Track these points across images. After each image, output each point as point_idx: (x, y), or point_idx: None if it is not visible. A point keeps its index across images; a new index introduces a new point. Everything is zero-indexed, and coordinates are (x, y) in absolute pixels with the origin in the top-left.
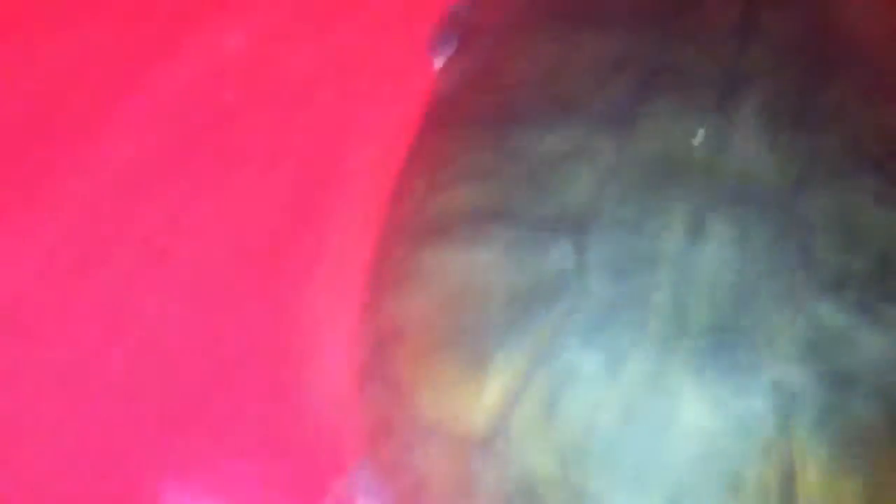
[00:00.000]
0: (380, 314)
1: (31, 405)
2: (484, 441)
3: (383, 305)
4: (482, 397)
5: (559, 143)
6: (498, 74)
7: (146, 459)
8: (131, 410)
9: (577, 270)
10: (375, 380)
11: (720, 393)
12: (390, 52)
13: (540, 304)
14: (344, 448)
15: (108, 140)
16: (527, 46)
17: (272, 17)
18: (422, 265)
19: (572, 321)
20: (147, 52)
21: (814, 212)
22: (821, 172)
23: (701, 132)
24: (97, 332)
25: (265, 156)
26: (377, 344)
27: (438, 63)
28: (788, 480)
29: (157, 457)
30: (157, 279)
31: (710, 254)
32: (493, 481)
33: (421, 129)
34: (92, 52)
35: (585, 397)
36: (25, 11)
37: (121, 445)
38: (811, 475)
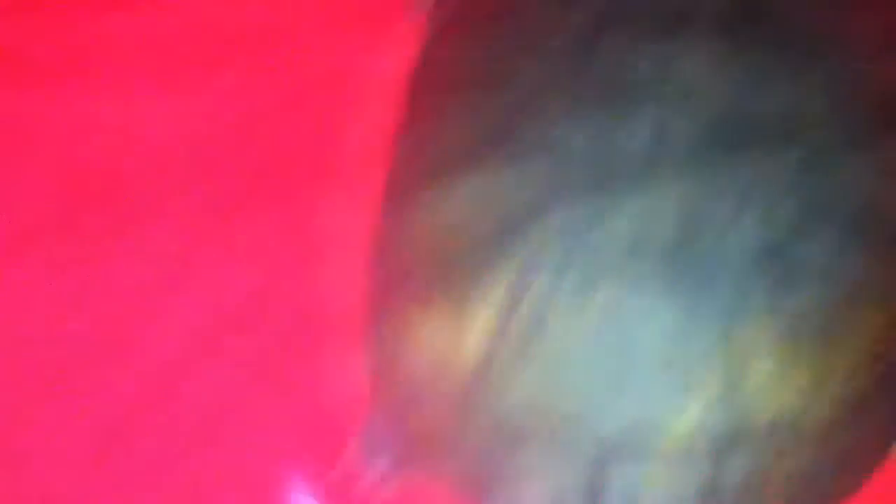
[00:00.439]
0: (387, 255)
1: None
2: (470, 384)
3: (389, 246)
4: (470, 332)
5: (529, 79)
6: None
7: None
8: None
9: (552, 196)
10: (381, 324)
11: (686, 298)
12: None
13: (514, 237)
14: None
15: None
16: None
17: None
18: (421, 203)
19: (544, 252)
20: None
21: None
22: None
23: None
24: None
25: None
26: (382, 286)
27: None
28: (736, 375)
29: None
30: None
31: (671, 167)
32: (489, 418)
33: (408, 84)
34: None
35: (562, 325)
36: None
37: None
38: (762, 367)
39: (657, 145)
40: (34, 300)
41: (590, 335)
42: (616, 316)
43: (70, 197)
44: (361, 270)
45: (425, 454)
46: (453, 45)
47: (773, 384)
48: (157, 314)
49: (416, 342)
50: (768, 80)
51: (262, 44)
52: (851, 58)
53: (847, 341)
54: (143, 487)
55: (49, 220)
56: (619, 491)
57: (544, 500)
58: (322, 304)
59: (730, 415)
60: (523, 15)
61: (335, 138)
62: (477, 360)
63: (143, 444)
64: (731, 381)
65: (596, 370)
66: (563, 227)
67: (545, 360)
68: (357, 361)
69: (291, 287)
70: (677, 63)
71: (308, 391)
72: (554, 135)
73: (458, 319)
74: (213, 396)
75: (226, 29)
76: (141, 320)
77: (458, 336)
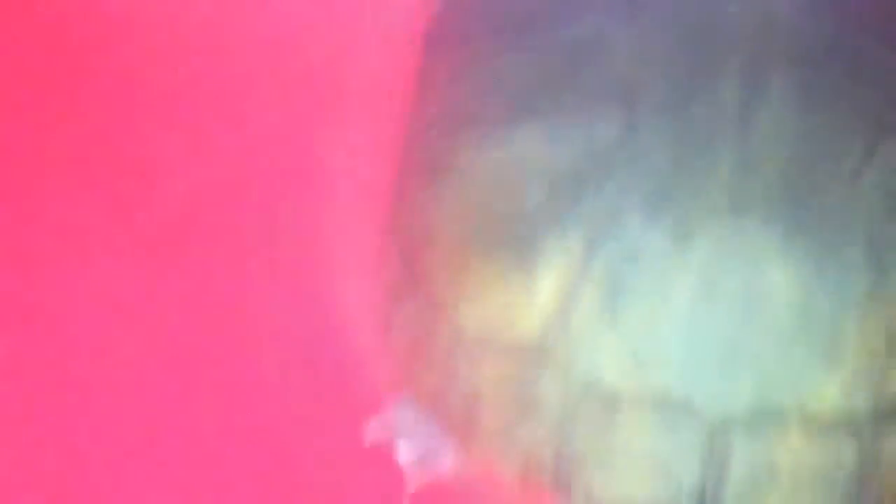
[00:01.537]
0: (408, 225)
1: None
2: (541, 347)
3: (412, 214)
4: (533, 298)
5: (582, 31)
6: None
7: None
8: None
9: (629, 142)
10: (407, 300)
11: (811, 252)
12: None
13: (590, 184)
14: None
15: None
16: None
17: None
18: (454, 161)
19: (629, 198)
20: None
21: (870, 62)
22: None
23: None
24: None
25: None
26: (406, 260)
27: None
28: (882, 343)
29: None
30: None
31: (772, 111)
32: (555, 392)
33: (429, 40)
34: None
35: (655, 280)
36: None
37: None
38: None
39: (750, 99)
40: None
41: (687, 296)
42: (722, 272)
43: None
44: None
45: (481, 434)
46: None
47: None
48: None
49: (460, 315)
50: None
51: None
52: None
53: None
54: None
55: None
56: (745, 472)
57: (647, 486)
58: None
59: (878, 390)
60: None
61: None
62: (550, 318)
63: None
64: (878, 349)
65: (700, 339)
66: (649, 170)
67: (634, 316)
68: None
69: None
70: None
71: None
72: (626, 75)
73: (519, 283)
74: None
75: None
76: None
77: (519, 302)
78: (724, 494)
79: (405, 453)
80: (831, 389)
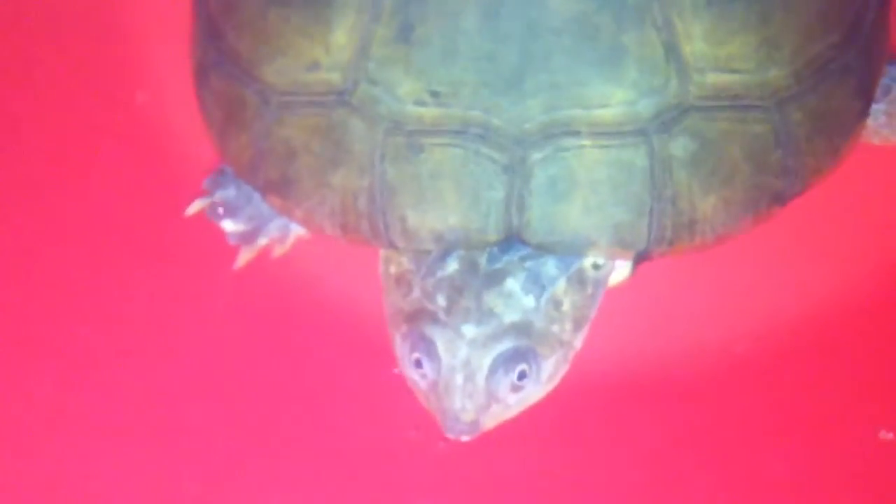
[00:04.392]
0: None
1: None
2: (344, 93)
3: None
4: (331, 47)
5: None
6: None
7: None
8: None
9: None
10: (214, 73)
11: None
12: None
13: None
14: None
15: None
16: None
17: None
18: None
19: None
20: None
21: None
22: None
23: None
24: None
25: None
26: (212, 33)
27: None
28: (672, 46)
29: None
30: None
31: None
32: (362, 134)
33: None
34: None
35: (441, 12)
36: None
37: None
38: (696, 37)
39: None
40: None
41: (473, 24)
42: None
43: None
44: None
45: (298, 191)
46: None
47: (712, 50)
48: None
49: (265, 75)
50: None
51: None
52: None
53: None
54: None
55: None
56: (545, 182)
57: (456, 211)
58: None
59: (659, 98)
60: None
61: None
62: (349, 64)
63: None
64: (656, 59)
65: (489, 64)
66: None
67: (426, 48)
68: None
69: None
70: None
71: None
72: None
73: (314, 29)
74: None
75: None
76: None
77: (317, 50)
78: (528, 207)
79: (230, 229)
80: (616, 98)
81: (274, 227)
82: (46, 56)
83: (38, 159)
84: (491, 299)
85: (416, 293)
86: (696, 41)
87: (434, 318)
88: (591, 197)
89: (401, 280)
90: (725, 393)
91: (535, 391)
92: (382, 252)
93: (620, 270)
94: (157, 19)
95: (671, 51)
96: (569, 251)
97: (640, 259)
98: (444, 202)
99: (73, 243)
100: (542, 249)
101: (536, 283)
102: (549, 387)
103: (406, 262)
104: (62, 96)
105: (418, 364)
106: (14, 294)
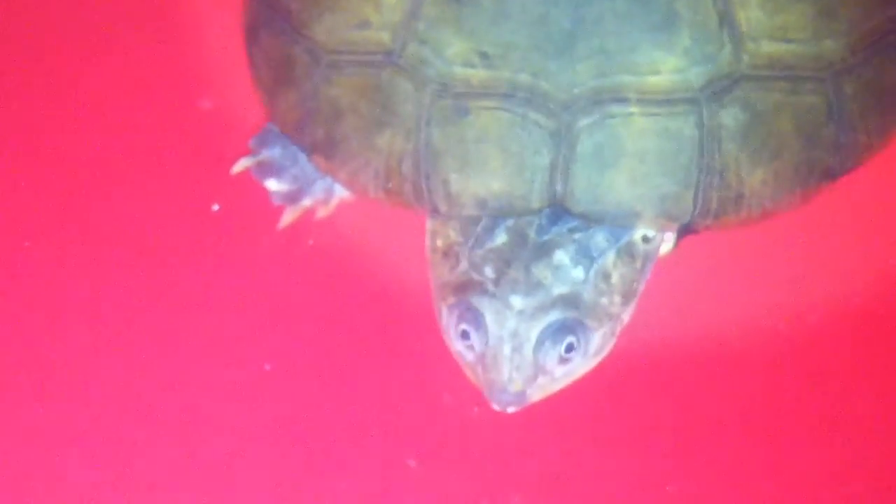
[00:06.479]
0: None
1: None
2: (392, 54)
3: None
4: (381, 7)
5: None
6: None
7: None
8: None
9: None
10: (264, 31)
11: None
12: None
13: None
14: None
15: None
16: None
17: None
18: None
19: None
20: None
21: None
22: None
23: None
24: None
25: None
26: None
27: None
28: (727, 13)
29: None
30: None
31: None
32: (409, 96)
33: None
34: None
35: None
36: None
37: None
38: (751, 5)
39: None
40: None
41: None
42: None
43: None
44: None
45: (343, 152)
46: None
47: (767, 18)
48: None
49: (315, 34)
50: None
51: None
52: None
53: None
54: None
55: None
56: (591, 149)
57: (501, 176)
58: None
59: (712, 66)
60: None
61: None
62: (398, 25)
63: None
64: (710, 27)
65: (540, 28)
66: None
67: (477, 9)
68: None
69: None
70: None
71: None
72: None
73: None
74: None
75: None
76: None
77: (367, 10)
78: (573, 175)
79: (275, 189)
80: (667, 65)
81: (319, 189)
82: (110, 61)
83: (103, 164)
84: (539, 271)
85: (464, 265)
86: (751, 9)
87: (482, 290)
88: (637, 167)
89: (448, 252)
90: (771, 372)
91: (583, 364)
92: (429, 225)
93: (664, 244)
94: (221, 26)
95: (725, 18)
96: (613, 222)
97: (684, 232)
98: (489, 167)
99: (125, 245)
100: (587, 219)
101: (586, 255)
102: (597, 360)
103: (454, 235)
104: (125, 102)
105: (465, 336)
106: (84, 287)
